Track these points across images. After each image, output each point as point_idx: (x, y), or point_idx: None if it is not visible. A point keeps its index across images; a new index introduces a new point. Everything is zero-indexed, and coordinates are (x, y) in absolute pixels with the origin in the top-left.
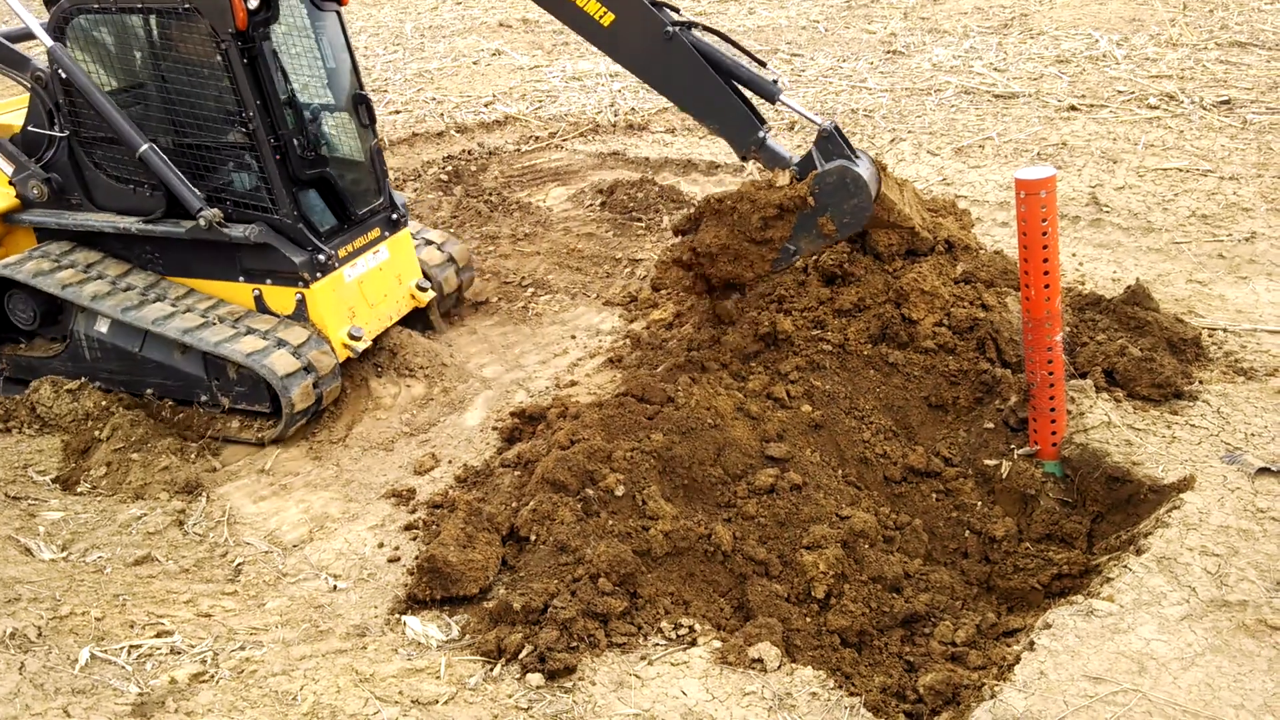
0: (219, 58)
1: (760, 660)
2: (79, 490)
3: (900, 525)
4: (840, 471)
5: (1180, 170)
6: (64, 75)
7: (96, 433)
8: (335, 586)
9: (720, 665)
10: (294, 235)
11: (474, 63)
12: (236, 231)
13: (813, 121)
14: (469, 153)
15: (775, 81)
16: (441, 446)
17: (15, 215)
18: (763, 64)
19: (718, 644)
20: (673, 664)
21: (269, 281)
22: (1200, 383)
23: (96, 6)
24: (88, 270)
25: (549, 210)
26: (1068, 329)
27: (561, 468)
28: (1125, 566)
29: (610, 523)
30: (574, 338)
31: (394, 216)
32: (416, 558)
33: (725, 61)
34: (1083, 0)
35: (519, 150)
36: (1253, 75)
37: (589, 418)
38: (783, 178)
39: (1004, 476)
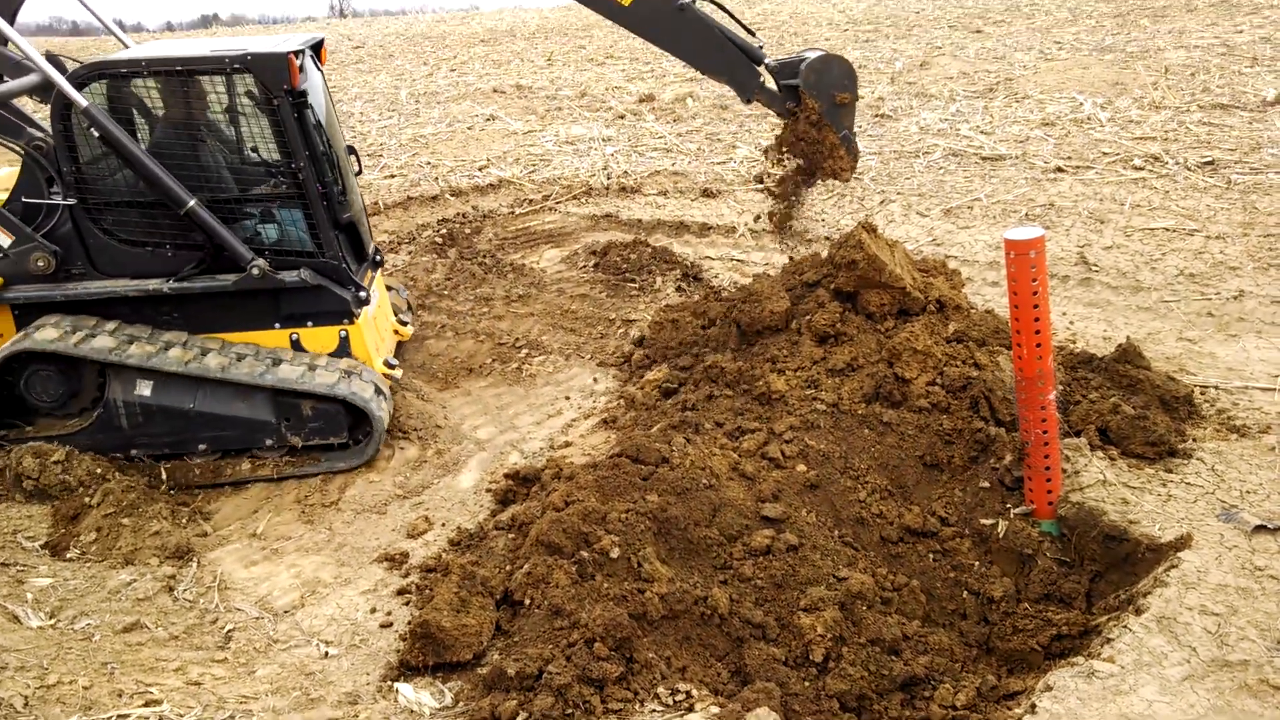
0: (269, 114)
1: None
2: (68, 556)
3: (898, 586)
4: (836, 532)
5: (1167, 230)
6: (90, 135)
7: (87, 499)
8: (327, 653)
9: None
10: (338, 276)
11: (468, 128)
12: (289, 276)
13: (779, 69)
14: (463, 216)
15: (761, 47)
16: (435, 509)
17: (2, 295)
18: (752, 33)
19: (715, 710)
20: None
21: (309, 324)
22: (1194, 440)
23: (125, 70)
24: (121, 335)
25: (543, 272)
26: (1060, 387)
27: (556, 530)
28: (1125, 627)
29: (605, 586)
30: (568, 398)
31: (378, 258)
32: (409, 623)
33: (724, 29)
34: (1066, 65)
35: (513, 213)
36: (1235, 136)
37: (583, 479)
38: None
39: (1001, 536)
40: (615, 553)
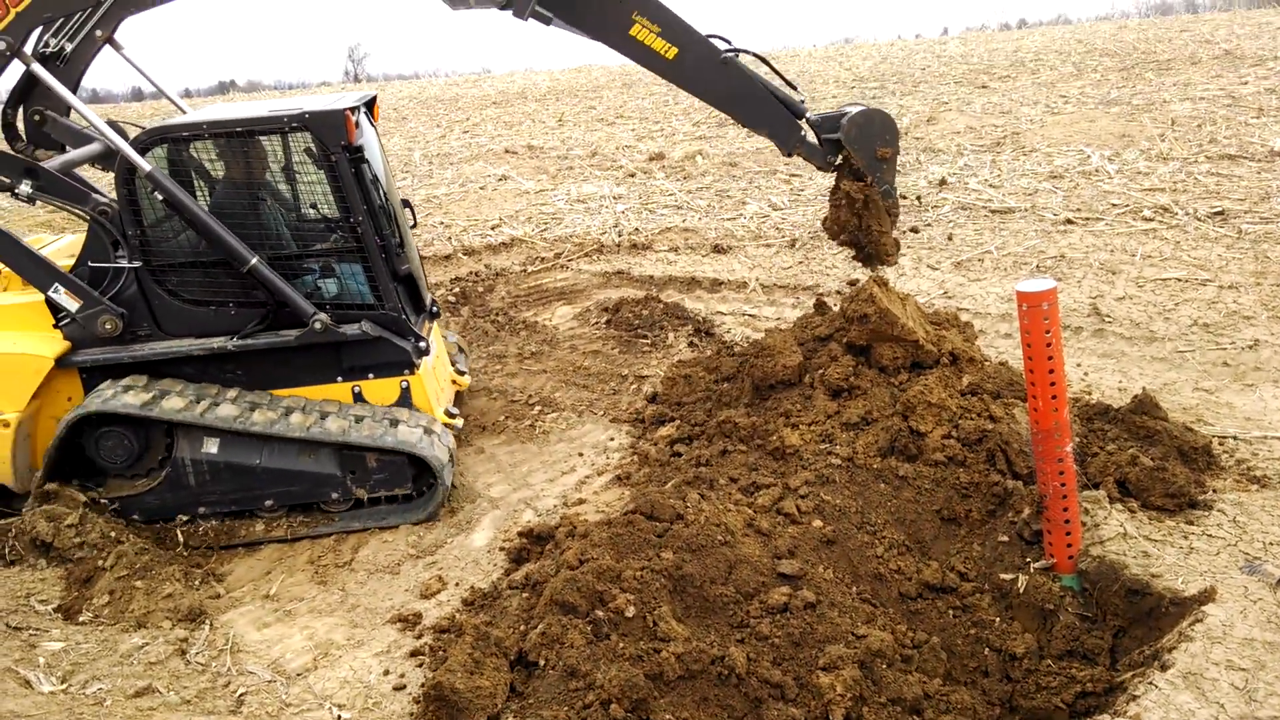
0: (328, 170)
1: None
2: (81, 619)
3: (918, 643)
4: (854, 588)
5: (1179, 280)
6: (154, 198)
7: (100, 561)
8: (339, 717)
9: None
10: (398, 327)
11: (480, 188)
12: (351, 329)
13: (821, 123)
14: (476, 274)
15: (802, 101)
16: (448, 568)
17: (69, 358)
18: (793, 87)
19: None
20: None
21: (370, 376)
22: (1214, 491)
23: (187, 133)
24: (192, 394)
25: (555, 329)
26: (1077, 439)
27: (570, 589)
28: (1151, 683)
29: (621, 645)
30: (581, 455)
31: (434, 310)
32: (423, 685)
33: (765, 82)
34: (1072, 118)
35: (525, 271)
36: (1244, 186)
37: (598, 536)
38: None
39: (1021, 591)
40: (630, 611)
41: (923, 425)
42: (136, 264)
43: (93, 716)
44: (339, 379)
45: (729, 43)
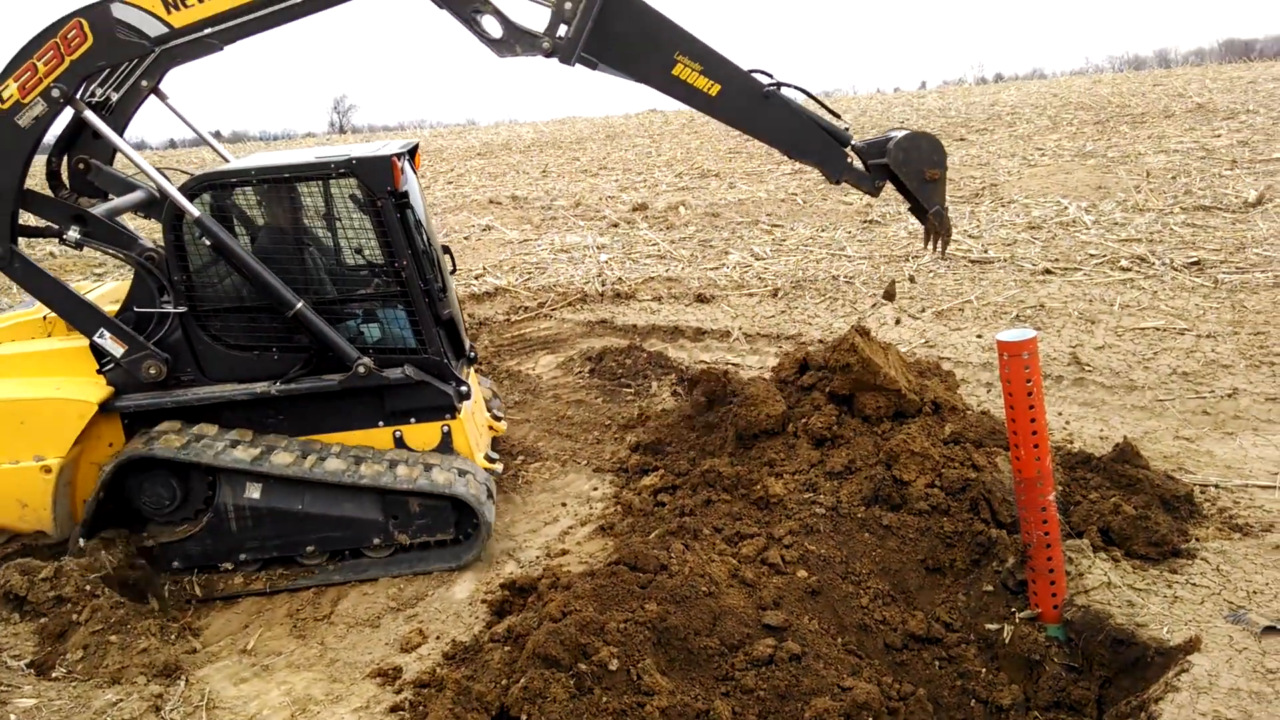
0: (373, 215)
1: None
2: (54, 675)
3: (904, 695)
4: (840, 639)
5: (1157, 329)
6: (199, 244)
7: (75, 615)
8: None
9: None
10: (439, 371)
11: (465, 237)
12: (394, 373)
13: (866, 149)
14: None
15: (846, 129)
16: (429, 621)
17: (112, 403)
18: (837, 115)
19: None
20: None
21: (412, 420)
22: (1197, 540)
23: (235, 180)
24: (232, 440)
25: (539, 378)
26: (1060, 488)
27: (553, 642)
28: None
29: (604, 699)
30: (565, 505)
31: (472, 354)
32: None
33: (808, 113)
34: (1049, 170)
35: (509, 320)
36: (1219, 237)
37: (581, 588)
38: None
39: (1007, 641)
40: (614, 665)
41: (906, 474)
42: (181, 309)
43: None
44: (381, 424)
45: (771, 76)
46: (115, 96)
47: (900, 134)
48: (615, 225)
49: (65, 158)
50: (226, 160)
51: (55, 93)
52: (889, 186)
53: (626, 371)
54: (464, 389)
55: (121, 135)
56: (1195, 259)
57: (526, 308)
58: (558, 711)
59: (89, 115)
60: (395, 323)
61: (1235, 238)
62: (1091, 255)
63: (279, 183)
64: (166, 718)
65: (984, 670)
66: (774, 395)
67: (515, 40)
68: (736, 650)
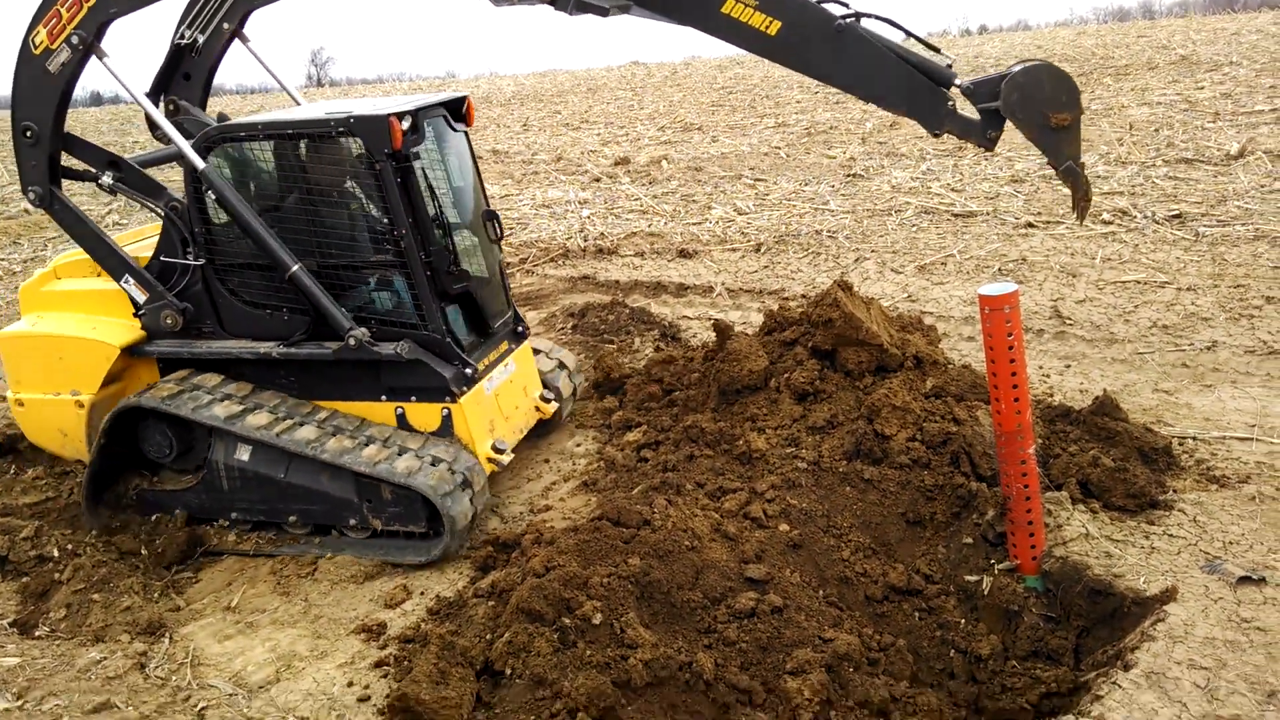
0: (372, 178)
1: None
2: (37, 634)
3: (884, 646)
4: (821, 592)
5: (1138, 283)
6: (213, 198)
7: (57, 574)
8: None
9: None
10: (441, 350)
11: None
12: (386, 349)
13: (976, 90)
14: None
15: (950, 65)
16: (413, 578)
17: (141, 347)
18: (935, 49)
19: None
20: None
21: (413, 399)
22: (1174, 492)
23: (244, 134)
24: (229, 397)
25: None
26: (1039, 441)
27: (536, 596)
28: (1114, 683)
29: (588, 653)
30: (547, 461)
31: (519, 329)
32: (387, 696)
33: (897, 48)
34: None
35: None
36: (1201, 190)
37: (564, 543)
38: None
39: (986, 593)
40: (597, 619)
41: (887, 428)
42: (201, 261)
43: None
44: (383, 398)
45: (846, 5)
46: (201, 39)
47: (1019, 68)
48: (597, 180)
49: (161, 98)
50: (297, 104)
51: (75, 39)
52: (1020, 139)
53: (609, 327)
54: (469, 371)
55: (209, 78)
56: (1177, 212)
57: (509, 264)
58: (542, 665)
59: (105, 64)
60: (404, 294)
61: (1217, 190)
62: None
63: (284, 139)
64: (151, 675)
65: (963, 621)
66: (756, 351)
67: None
68: (719, 603)
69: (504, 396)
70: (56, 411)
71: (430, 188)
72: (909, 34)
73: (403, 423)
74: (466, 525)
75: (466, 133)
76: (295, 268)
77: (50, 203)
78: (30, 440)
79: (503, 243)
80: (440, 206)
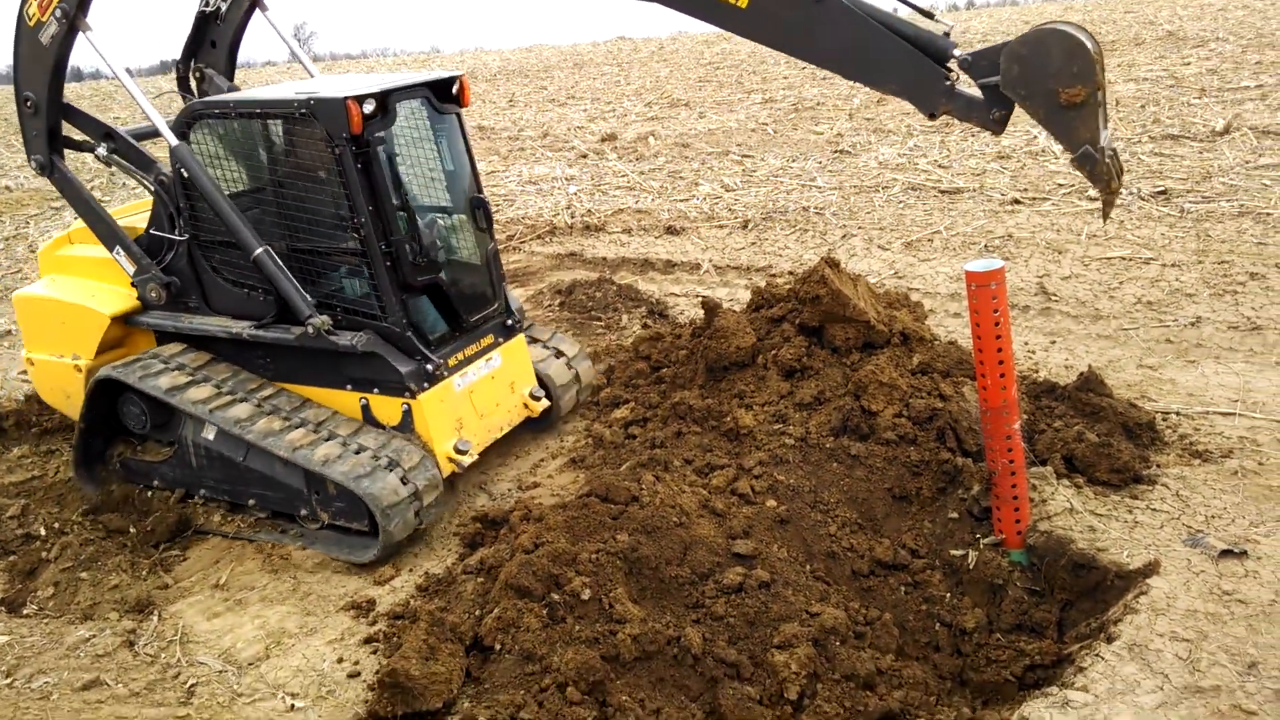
0: (333, 162)
1: None
2: (25, 613)
3: (870, 620)
4: (808, 567)
5: (1123, 259)
6: (185, 175)
7: (44, 553)
8: (293, 705)
9: None
10: (402, 344)
11: None
12: (344, 339)
13: (974, 62)
14: None
15: (947, 34)
16: (402, 555)
17: (135, 317)
18: (930, 15)
19: None
20: None
21: (375, 391)
22: (1158, 466)
23: (218, 111)
24: (195, 374)
25: None
26: (1025, 417)
27: (525, 572)
28: (1097, 655)
29: (577, 628)
30: (535, 438)
31: (509, 322)
32: (377, 672)
33: (885, 16)
34: None
35: None
36: (1186, 166)
37: (553, 520)
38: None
39: (971, 567)
40: (586, 594)
41: (874, 404)
42: (185, 237)
43: (39, 712)
44: (347, 387)
45: None
46: (224, 6)
47: (1021, 36)
48: (584, 156)
49: (190, 66)
50: (312, 77)
51: (58, 12)
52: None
53: (597, 304)
54: (429, 367)
55: (233, 45)
56: (1162, 188)
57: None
58: (531, 640)
59: (88, 38)
60: (369, 283)
61: (1202, 167)
62: (1060, 185)
63: (252, 118)
64: (141, 652)
65: (949, 595)
66: (744, 327)
67: None
68: (707, 578)
69: (481, 394)
70: (60, 373)
71: (396, 174)
72: (905, 2)
73: (368, 414)
74: (405, 537)
75: (459, 115)
76: (259, 250)
77: (51, 171)
78: (42, 399)
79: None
80: (406, 194)
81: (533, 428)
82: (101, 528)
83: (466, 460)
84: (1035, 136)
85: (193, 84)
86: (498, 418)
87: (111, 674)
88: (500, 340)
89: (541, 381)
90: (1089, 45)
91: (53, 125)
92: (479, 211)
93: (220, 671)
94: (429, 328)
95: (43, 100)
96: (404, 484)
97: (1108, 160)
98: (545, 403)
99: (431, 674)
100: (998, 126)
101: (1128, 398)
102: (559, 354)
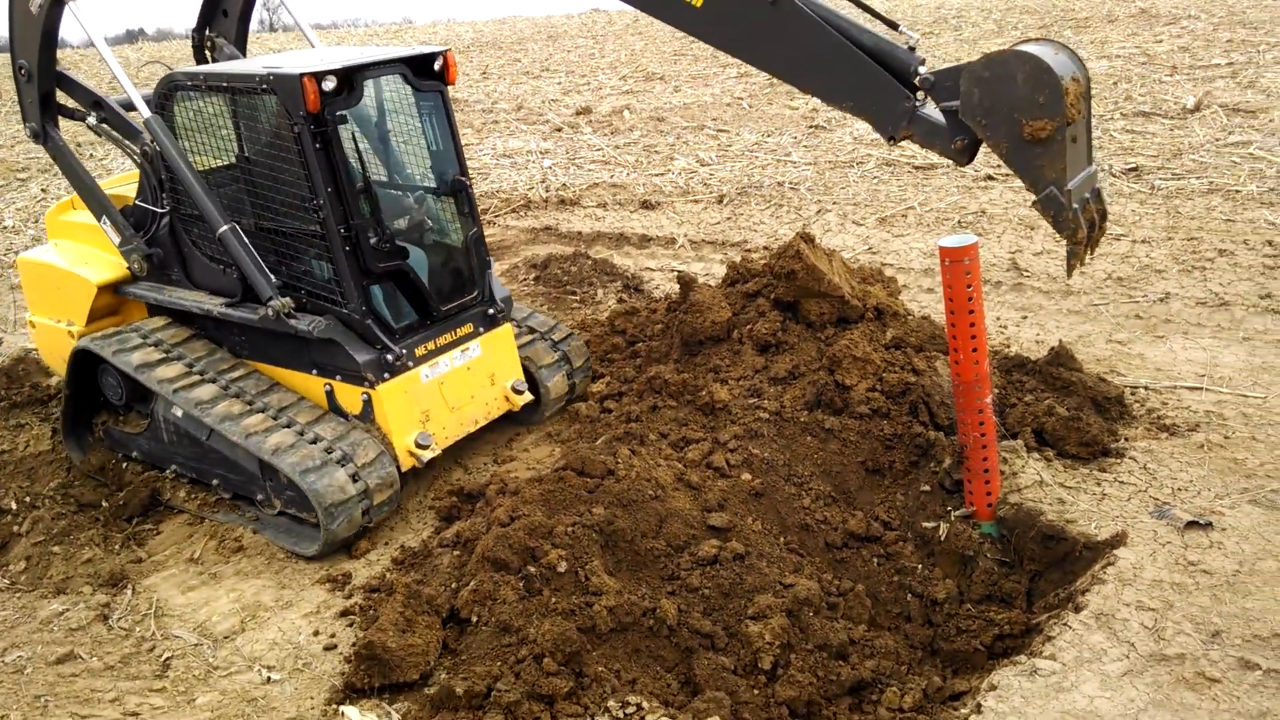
0: (292, 140)
1: None
2: None
3: (843, 591)
4: (782, 539)
5: None
6: (159, 149)
7: (16, 527)
8: (269, 678)
9: None
10: (363, 332)
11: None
12: (302, 324)
13: (937, 83)
14: None
15: (913, 49)
16: (377, 528)
17: (124, 288)
18: (894, 25)
19: None
20: None
21: (338, 378)
22: (1126, 440)
23: (191, 83)
24: (170, 352)
25: None
26: (996, 391)
27: (502, 545)
28: (1065, 624)
29: (553, 600)
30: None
31: (490, 311)
32: (354, 644)
33: (845, 27)
34: None
35: None
36: (1157, 143)
37: (529, 493)
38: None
39: (942, 539)
40: (562, 567)
41: (848, 379)
42: (167, 209)
43: (13, 685)
44: (312, 371)
45: None
46: None
47: (984, 56)
48: (559, 130)
49: (204, 35)
50: (312, 46)
51: None
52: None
53: (572, 279)
54: (389, 357)
55: (246, 13)
56: (1133, 165)
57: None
58: (508, 612)
59: (71, 9)
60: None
61: (1172, 144)
62: None
63: (220, 92)
64: (115, 626)
65: (920, 566)
66: (719, 302)
67: None
68: (682, 551)
69: (453, 385)
70: (57, 338)
71: (360, 155)
72: (860, 5)
73: (332, 401)
74: (350, 535)
75: (442, 92)
76: (224, 228)
77: (44, 139)
78: (44, 361)
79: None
80: (370, 176)
81: (516, 421)
82: (73, 502)
83: (427, 455)
84: None
85: (207, 54)
86: (472, 410)
87: (86, 647)
88: (481, 330)
89: (529, 375)
90: (1059, 72)
91: (45, 93)
92: (460, 195)
93: (195, 645)
94: (394, 316)
95: (34, 68)
96: (354, 481)
97: (1075, 206)
98: (528, 396)
99: (408, 646)
100: (961, 157)
101: (1097, 372)
102: (542, 336)
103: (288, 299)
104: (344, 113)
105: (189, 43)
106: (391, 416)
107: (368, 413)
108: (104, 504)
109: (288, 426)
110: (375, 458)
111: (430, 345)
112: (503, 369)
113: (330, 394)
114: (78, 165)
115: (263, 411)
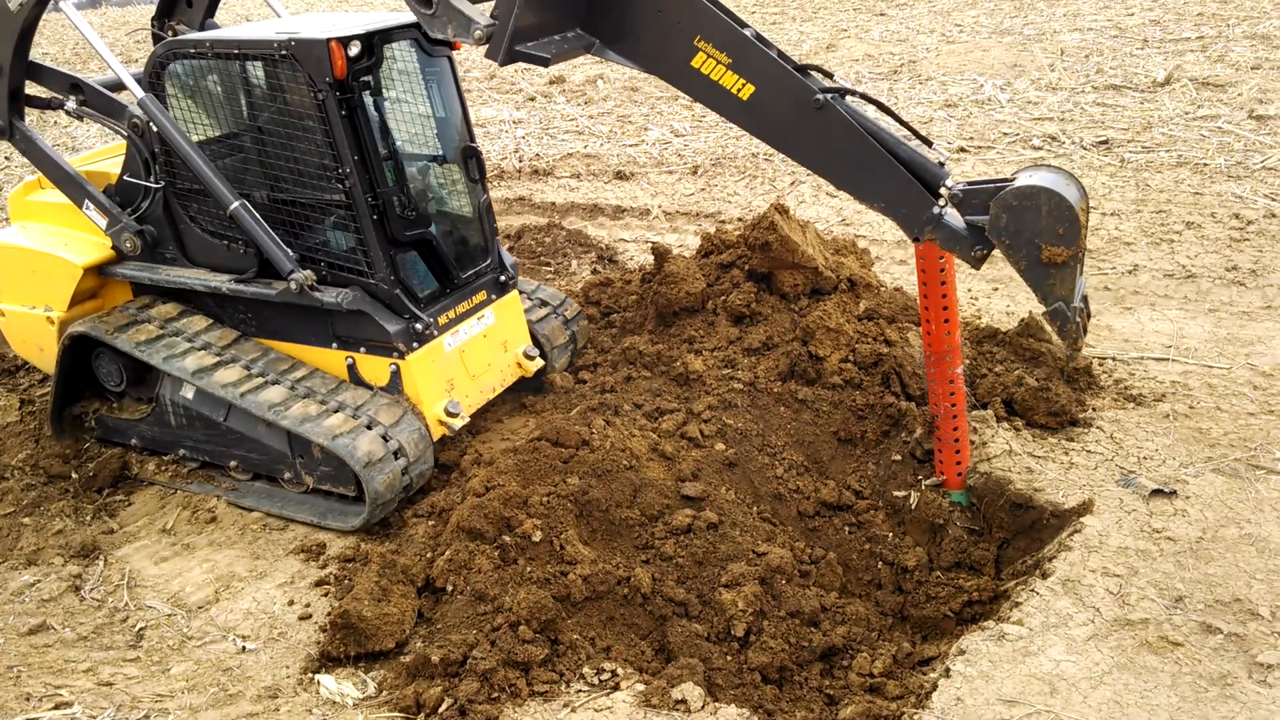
0: (315, 108)
1: (684, 701)
2: None
3: (815, 559)
4: (755, 508)
5: None
6: (154, 126)
7: None
8: (244, 648)
9: (644, 708)
10: (390, 302)
11: None
12: (329, 297)
13: (966, 198)
14: None
15: (943, 164)
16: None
17: (110, 268)
18: (927, 142)
19: (641, 687)
20: (596, 710)
21: (363, 350)
22: (1094, 410)
23: (193, 51)
24: (175, 331)
25: None
26: (967, 361)
27: (477, 515)
28: (1032, 590)
29: (528, 569)
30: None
31: (502, 278)
32: (329, 614)
33: (883, 135)
34: (966, 47)
35: None
36: (1128, 116)
37: (503, 464)
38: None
39: (913, 507)
40: (537, 536)
41: (821, 350)
42: (161, 184)
43: None
44: (333, 345)
45: (832, 78)
46: None
47: (1021, 180)
48: (532, 99)
49: (165, 23)
50: (278, 16)
51: None
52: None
53: (546, 250)
54: (419, 326)
55: (214, 4)
56: (1104, 138)
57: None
58: (483, 581)
59: (63, 8)
60: (355, 237)
61: (1143, 117)
62: (1005, 134)
63: (229, 59)
64: (87, 597)
65: (891, 534)
66: (694, 273)
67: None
68: (656, 520)
69: (473, 353)
70: (32, 325)
71: (384, 121)
72: (899, 120)
73: (354, 374)
74: (391, 499)
75: (451, 58)
76: (235, 205)
77: (11, 134)
78: (14, 351)
79: (486, 182)
80: (394, 143)
81: (525, 388)
82: (43, 473)
83: (458, 423)
84: (981, 85)
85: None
86: (490, 378)
87: (58, 618)
88: (493, 297)
89: (536, 340)
90: (1078, 208)
91: (14, 88)
92: (471, 161)
93: (169, 615)
94: (418, 285)
95: (6, 64)
96: (384, 440)
97: (1078, 320)
98: (540, 362)
99: (384, 615)
100: (977, 264)
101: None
102: (544, 303)
103: (309, 272)
104: (367, 78)
105: (154, 8)
106: (421, 386)
107: (395, 384)
108: (74, 475)
109: (308, 397)
110: (400, 417)
111: (452, 313)
112: (514, 336)
113: (353, 367)
114: (51, 154)
115: (290, 388)
